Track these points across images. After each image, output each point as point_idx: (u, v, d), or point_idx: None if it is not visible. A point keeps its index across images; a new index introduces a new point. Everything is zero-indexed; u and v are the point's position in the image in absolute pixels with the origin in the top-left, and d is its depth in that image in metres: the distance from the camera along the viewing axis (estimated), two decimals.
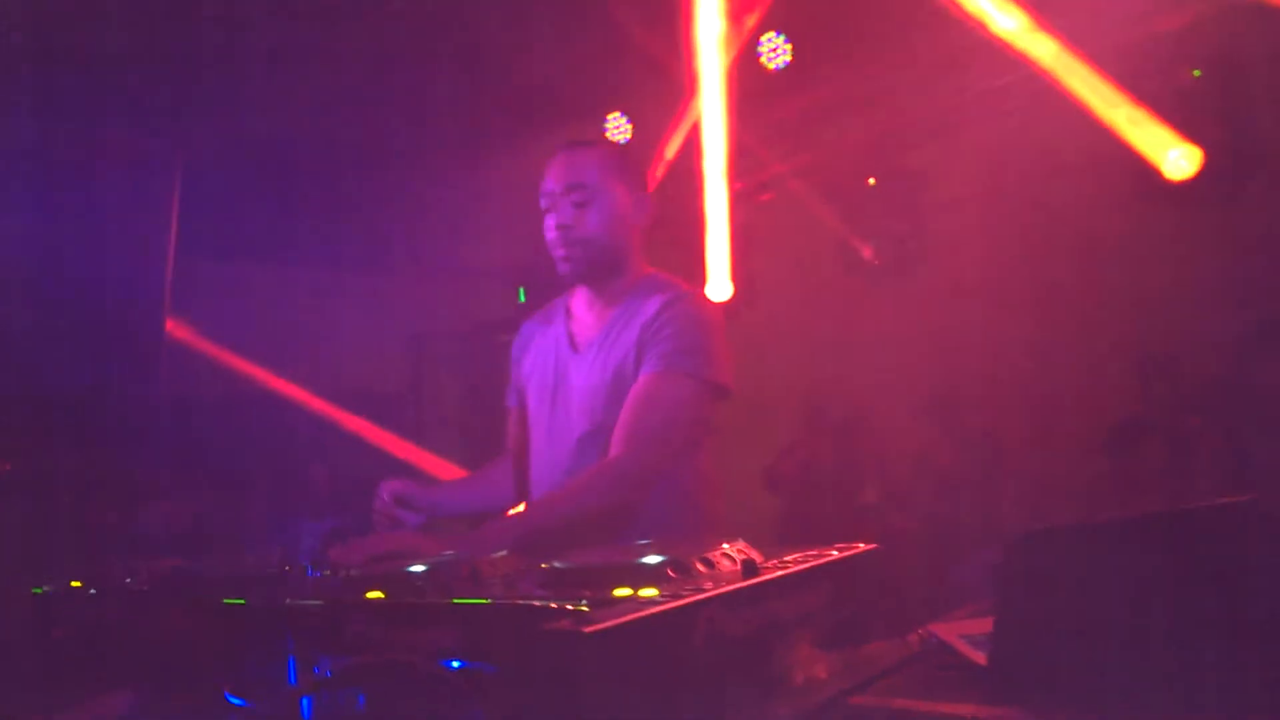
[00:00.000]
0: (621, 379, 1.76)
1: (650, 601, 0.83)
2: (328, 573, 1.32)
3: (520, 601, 0.87)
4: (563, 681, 0.76)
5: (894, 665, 1.01)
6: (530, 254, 6.52)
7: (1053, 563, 0.95)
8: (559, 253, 1.83)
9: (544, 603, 0.87)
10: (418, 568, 1.21)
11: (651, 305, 1.78)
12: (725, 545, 1.04)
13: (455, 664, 0.84)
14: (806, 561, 0.99)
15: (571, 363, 1.86)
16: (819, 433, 4.93)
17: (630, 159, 1.91)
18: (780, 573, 0.94)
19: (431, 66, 4.29)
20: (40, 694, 1.18)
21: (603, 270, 1.85)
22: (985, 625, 1.10)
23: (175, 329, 4.02)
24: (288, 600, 1.04)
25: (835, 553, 1.04)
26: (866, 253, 4.35)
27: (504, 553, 1.28)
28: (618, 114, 5.08)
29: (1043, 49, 3.59)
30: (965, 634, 1.18)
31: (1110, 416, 3.79)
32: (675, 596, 0.84)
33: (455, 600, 0.90)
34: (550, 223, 1.83)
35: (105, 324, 3.46)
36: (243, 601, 1.12)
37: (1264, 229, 3.58)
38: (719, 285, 4.66)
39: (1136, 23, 3.60)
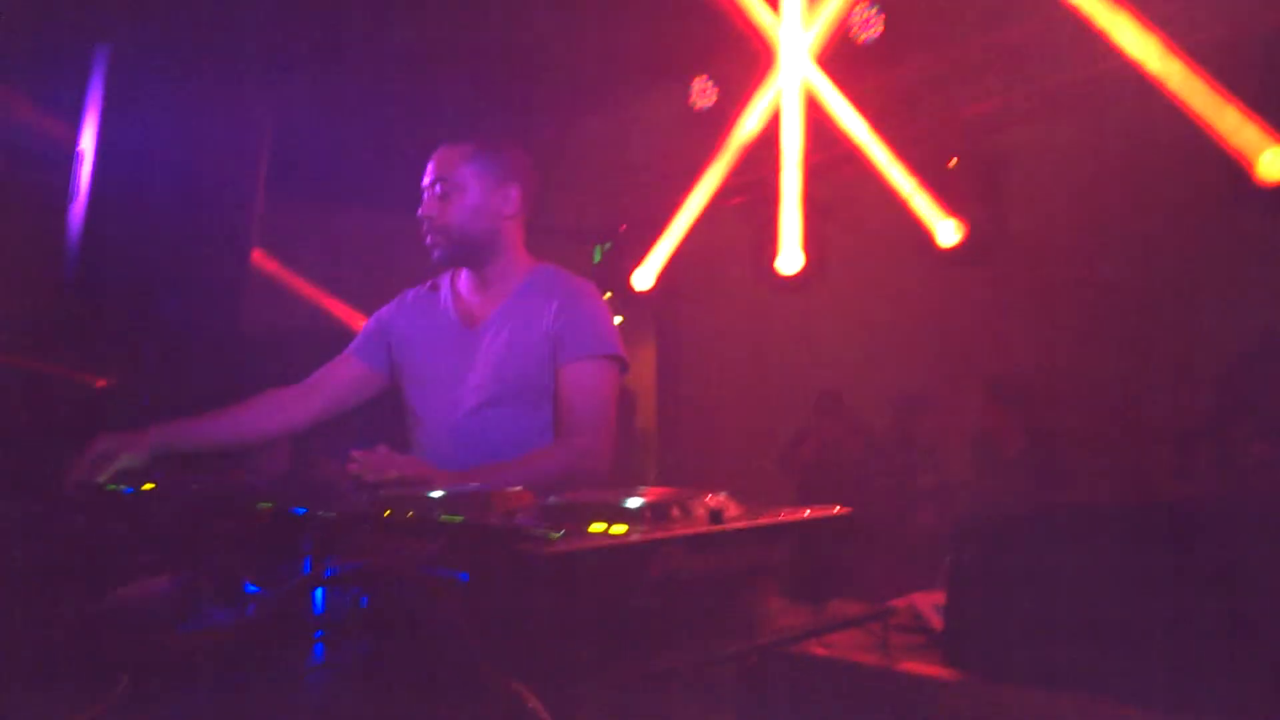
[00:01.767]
0: (523, 359, 2.02)
1: (615, 537, 0.91)
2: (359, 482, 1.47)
3: (499, 525, 0.97)
4: (524, 595, 0.85)
5: (856, 619, 1.07)
6: (610, 214, 6.59)
7: (997, 548, 1.00)
8: (425, 240, 2.09)
9: (521, 528, 0.96)
10: (437, 493, 1.33)
11: (559, 298, 2.04)
12: (708, 496, 1.11)
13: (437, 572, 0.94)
14: (775, 516, 1.06)
15: (467, 339, 2.09)
16: (834, 415, 4.90)
17: (497, 156, 2.09)
18: (745, 523, 1.01)
19: (523, 24, 4.38)
20: (92, 580, 1.33)
21: (469, 256, 2.10)
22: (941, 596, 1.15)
23: (263, 262, 4.24)
24: (307, 510, 1.16)
25: (807, 512, 1.10)
26: (942, 236, 4.27)
27: (519, 488, 1.39)
28: (704, 78, 5.10)
29: (1141, 41, 3.46)
30: (937, 603, 1.23)
31: (1177, 421, 3.68)
32: (637, 533, 0.91)
33: (443, 518, 0.99)
34: (419, 213, 2.08)
35: (197, 255, 3.66)
36: (271, 506, 1.26)
37: None
38: (789, 256, 4.67)
39: (1238, 19, 3.43)
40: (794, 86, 4.28)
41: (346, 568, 1.00)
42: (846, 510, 1.11)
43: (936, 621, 1.18)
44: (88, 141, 3.39)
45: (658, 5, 4.29)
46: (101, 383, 3.98)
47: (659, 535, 0.90)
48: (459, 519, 0.98)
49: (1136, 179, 3.91)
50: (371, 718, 0.89)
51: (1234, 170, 3.43)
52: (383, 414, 2.38)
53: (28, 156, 4.06)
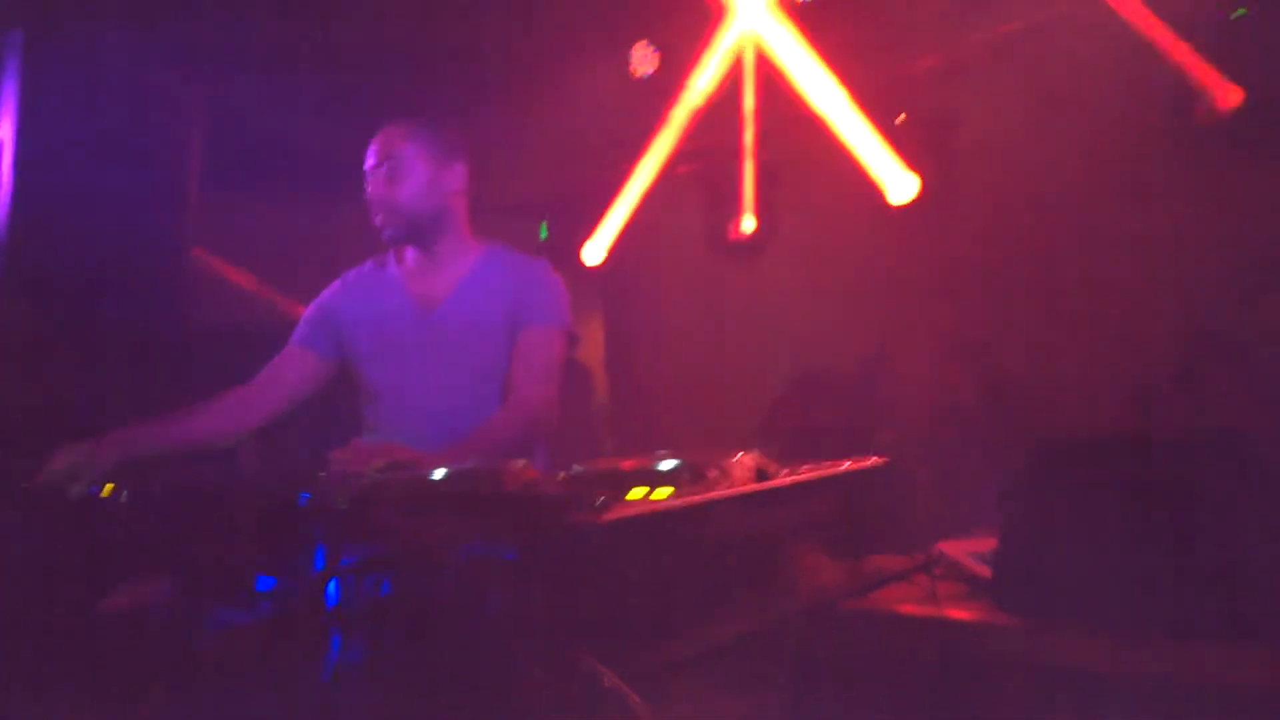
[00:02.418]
0: (483, 337, 2.08)
1: (664, 502, 0.86)
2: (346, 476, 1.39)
3: (546, 495, 0.91)
4: (579, 569, 0.80)
5: (899, 574, 1.04)
6: (553, 188, 6.49)
7: (1053, 477, 0.97)
8: (375, 220, 2.13)
9: (564, 497, 0.91)
10: (439, 473, 1.26)
11: (515, 276, 2.13)
12: (741, 454, 1.06)
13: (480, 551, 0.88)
14: (819, 470, 1.02)
15: (424, 319, 2.12)
16: (816, 381, 4.93)
17: (440, 134, 2.14)
18: (791, 479, 0.97)
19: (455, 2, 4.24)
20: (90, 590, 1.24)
21: (419, 235, 2.13)
22: (991, 543, 1.13)
23: (201, 257, 4.06)
24: (316, 497, 1.09)
25: (846, 464, 1.07)
26: (890, 193, 4.27)
27: (523, 461, 1.33)
28: (644, 44, 5.01)
29: None
30: (972, 551, 1.21)
31: (1145, 376, 3.73)
32: (685, 496, 0.87)
33: (481, 492, 0.93)
34: (366, 195, 2.12)
35: (130, 249, 3.49)
36: (274, 500, 1.17)
37: None
38: (744, 221, 4.63)
39: None
40: (746, 42, 4.22)
41: (371, 553, 0.93)
42: (884, 459, 1.08)
43: (973, 566, 1.16)
44: (4, 130, 3.20)
45: None
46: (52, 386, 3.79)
47: (712, 495, 0.86)
48: (502, 494, 0.91)
49: (1086, 125, 3.95)
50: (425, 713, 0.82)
51: (1183, 108, 3.48)
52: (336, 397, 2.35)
53: None
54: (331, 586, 1.02)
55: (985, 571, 1.07)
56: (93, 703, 0.79)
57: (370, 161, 2.12)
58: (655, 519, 0.82)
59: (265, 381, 2.19)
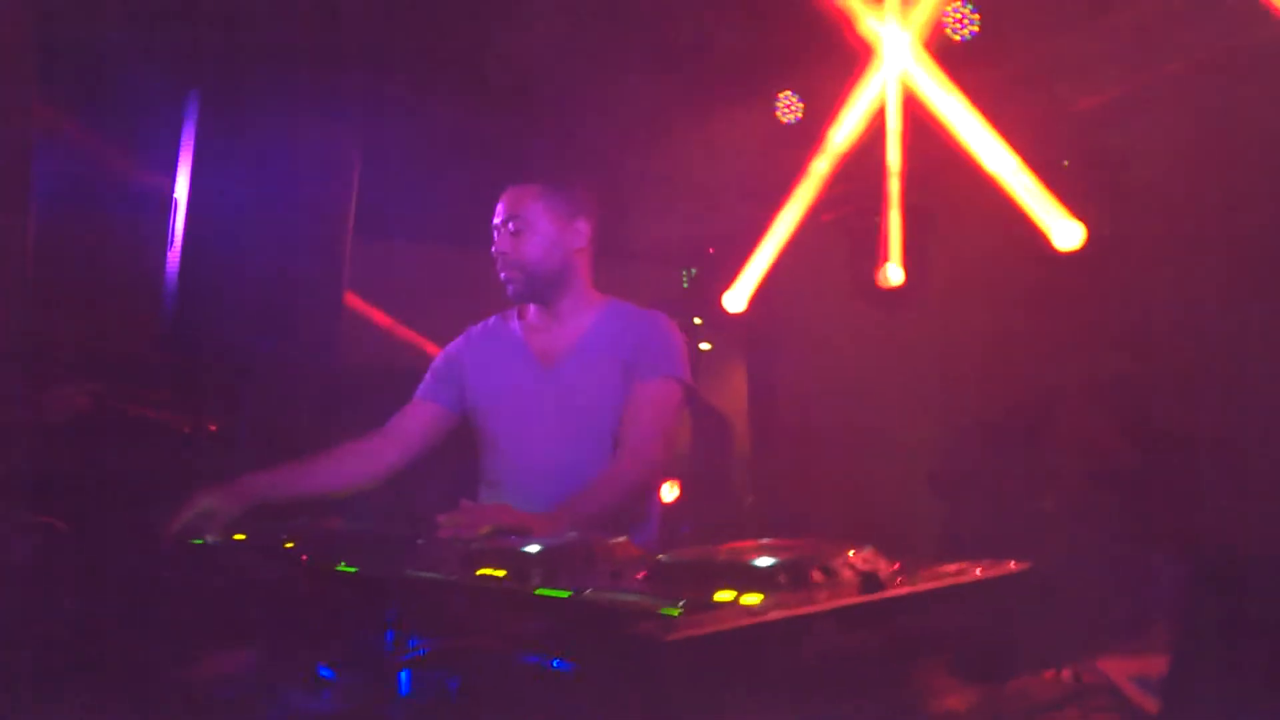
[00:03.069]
0: (600, 393, 2.08)
1: (748, 610, 0.74)
2: (453, 541, 1.35)
3: (609, 598, 0.80)
4: (643, 690, 0.69)
5: (1045, 704, 0.87)
6: (697, 237, 6.46)
7: (1249, 597, 0.78)
8: (501, 275, 2.16)
9: (636, 599, 0.80)
10: (533, 548, 1.18)
11: (632, 330, 2.13)
12: (851, 552, 0.93)
13: (537, 659, 0.78)
14: (942, 579, 0.87)
15: (544, 376, 2.15)
16: (981, 432, 4.60)
17: (565, 192, 2.16)
18: (907, 590, 0.82)
19: (595, 51, 4.29)
20: (178, 643, 1.23)
21: (542, 291, 2.16)
22: (1159, 665, 0.94)
23: (353, 302, 4.23)
24: (391, 573, 1.03)
25: (979, 571, 0.91)
26: (1055, 240, 3.97)
27: (622, 539, 1.23)
28: (789, 92, 4.92)
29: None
30: (1135, 674, 1.01)
31: None
32: (777, 606, 0.74)
33: (539, 592, 0.84)
34: (493, 250, 2.16)
35: (291, 297, 3.65)
36: (354, 570, 1.13)
37: None
38: (890, 271, 4.42)
39: None
40: (894, 87, 4.05)
41: (432, 648, 0.86)
42: (1025, 565, 0.92)
43: (1136, 696, 0.97)
44: (181, 189, 3.42)
45: (734, 23, 4.15)
46: (211, 427, 4.04)
47: (805, 609, 0.73)
48: (562, 594, 0.82)
49: (1275, 161, 3.54)
50: None
51: None
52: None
53: (122, 205, 4.16)
54: (403, 676, 0.96)
55: (1151, 707, 0.89)
56: None
57: (497, 218, 2.17)
58: (736, 636, 0.70)
59: (389, 433, 2.23)
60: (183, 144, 3.43)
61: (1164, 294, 4.00)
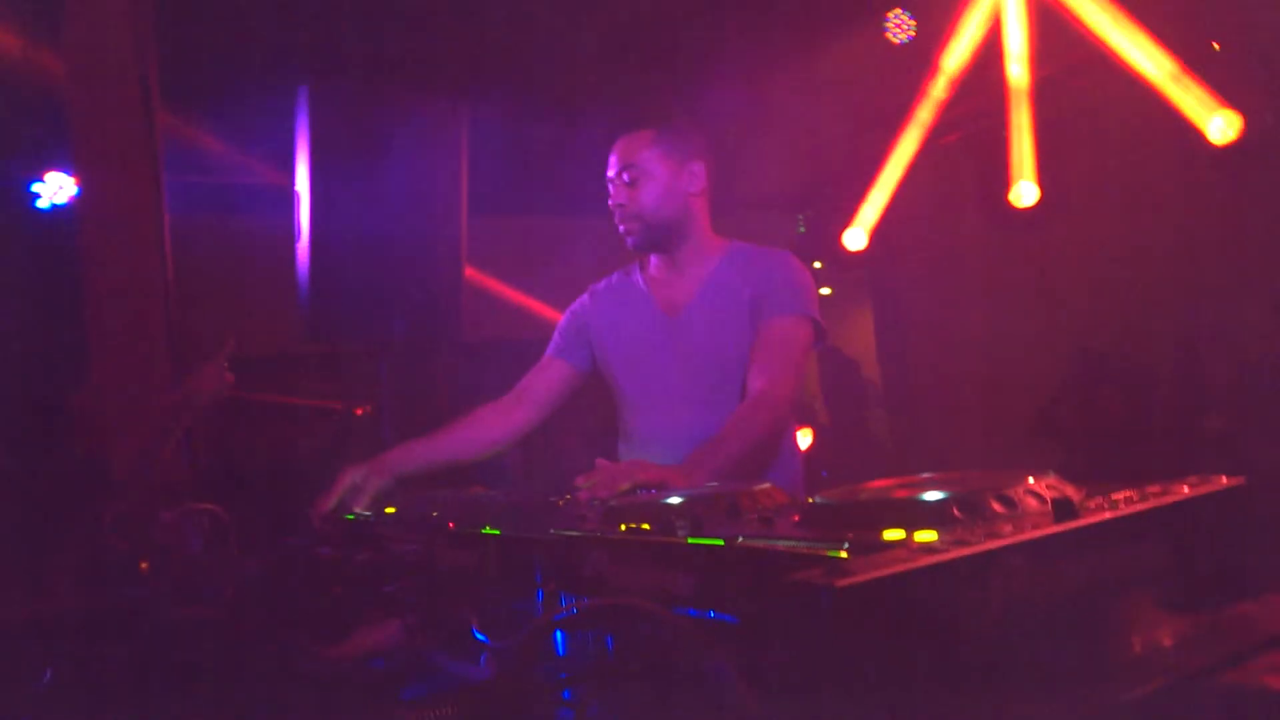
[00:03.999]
0: (729, 337, 2.02)
1: (925, 548, 0.66)
2: (592, 501, 1.32)
3: (765, 544, 0.74)
4: (813, 642, 0.62)
5: (1272, 633, 0.75)
6: (808, 177, 6.22)
7: None
8: (620, 228, 2.10)
9: (796, 546, 0.73)
10: (674, 499, 1.13)
11: (757, 270, 2.05)
12: (1031, 479, 0.83)
13: (695, 613, 0.73)
14: (1145, 500, 0.76)
15: (671, 326, 2.10)
16: (1096, 370, 4.26)
17: (676, 136, 2.09)
18: (1109, 514, 0.72)
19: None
20: (330, 619, 1.24)
21: (662, 240, 2.10)
22: None
23: (473, 277, 4.27)
24: (537, 533, 1.00)
25: (1186, 489, 0.79)
26: (1209, 134, 3.60)
27: (766, 485, 1.17)
28: (899, 10, 4.65)
29: None
30: None
31: None
32: (959, 544, 0.66)
33: (692, 540, 0.78)
34: (610, 203, 2.10)
35: (416, 276, 3.71)
36: (498, 533, 1.10)
37: None
38: (1022, 189, 4.14)
39: None
40: None
41: (584, 606, 0.82)
42: (1238, 480, 0.80)
43: None
44: (302, 182, 3.52)
45: None
46: (359, 410, 4.19)
47: (993, 544, 0.65)
48: (715, 542, 0.76)
49: None
50: None
51: None
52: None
53: (249, 202, 4.33)
54: (559, 636, 0.92)
55: None
56: None
57: (611, 170, 2.12)
58: (913, 577, 0.62)
59: (520, 394, 2.23)
60: (298, 138, 3.52)
61: None
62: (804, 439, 5.50)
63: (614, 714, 0.81)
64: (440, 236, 3.76)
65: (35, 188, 4.07)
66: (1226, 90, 3.54)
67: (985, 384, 5.08)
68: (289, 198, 3.52)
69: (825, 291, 7.45)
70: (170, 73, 3.34)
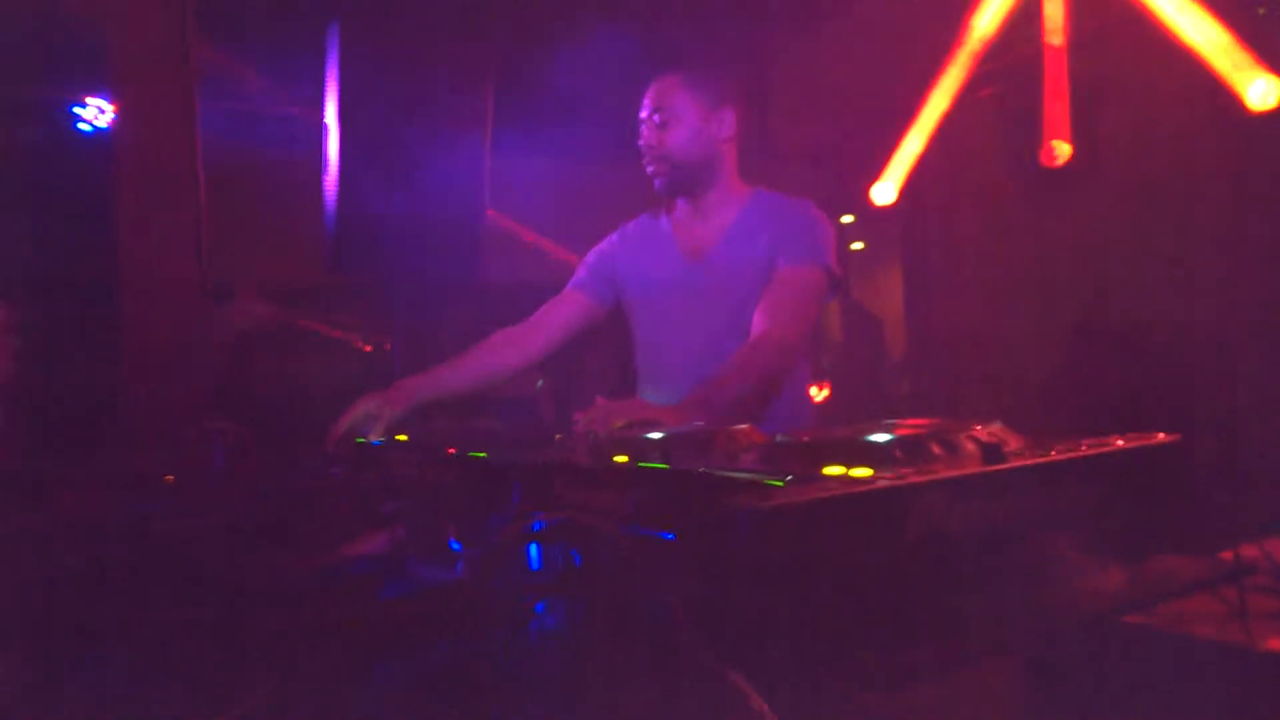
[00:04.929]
0: (749, 284, 2.02)
1: (854, 482, 0.71)
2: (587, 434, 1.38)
3: (715, 473, 0.79)
4: (744, 560, 0.68)
5: (1192, 583, 0.80)
6: (839, 130, 6.13)
7: None
8: (648, 170, 2.12)
9: (740, 475, 0.78)
10: (655, 434, 1.19)
11: (778, 218, 2.07)
12: (979, 426, 0.87)
13: (647, 533, 0.79)
14: (1075, 450, 0.80)
15: (692, 270, 2.12)
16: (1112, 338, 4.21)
17: (709, 81, 2.10)
18: (1032, 460, 0.77)
19: None
20: (328, 531, 1.32)
21: (689, 184, 2.11)
22: None
23: (495, 219, 4.32)
24: (515, 459, 1.06)
25: (1120, 442, 0.83)
26: (1248, 100, 3.52)
27: (745, 425, 1.22)
28: None
29: None
30: None
31: None
32: (883, 478, 0.71)
33: (642, 465, 0.84)
34: (640, 144, 2.12)
35: (440, 215, 3.77)
36: (482, 456, 1.17)
37: None
38: (1055, 148, 4.08)
39: None
40: None
41: (545, 523, 0.89)
42: (1173, 437, 0.84)
43: None
44: (330, 115, 3.57)
45: None
46: (386, 345, 4.29)
47: (913, 480, 0.69)
48: (662, 466, 0.81)
49: None
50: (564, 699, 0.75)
51: None
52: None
53: (281, 136, 4.38)
54: (533, 552, 0.99)
55: None
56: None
57: (644, 111, 2.14)
58: (835, 505, 0.67)
59: (536, 322, 2.24)
60: (328, 73, 3.56)
61: None
62: (820, 393, 5.53)
63: (565, 616, 0.88)
64: (463, 176, 3.81)
65: (77, 110, 4.16)
66: (1270, 55, 3.44)
67: (1010, 349, 5.06)
68: (319, 130, 3.58)
69: (857, 246, 7.38)
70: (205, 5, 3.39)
